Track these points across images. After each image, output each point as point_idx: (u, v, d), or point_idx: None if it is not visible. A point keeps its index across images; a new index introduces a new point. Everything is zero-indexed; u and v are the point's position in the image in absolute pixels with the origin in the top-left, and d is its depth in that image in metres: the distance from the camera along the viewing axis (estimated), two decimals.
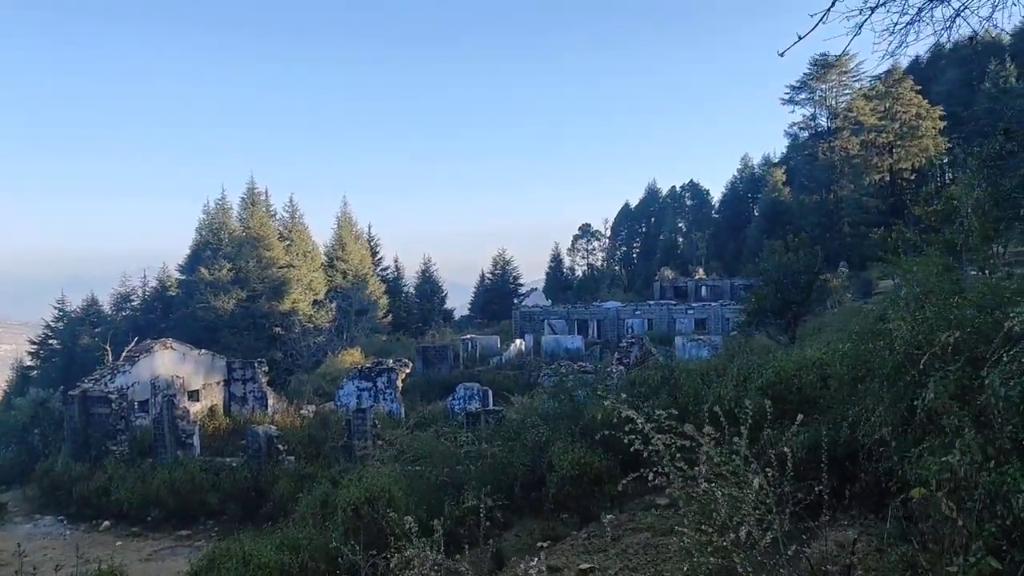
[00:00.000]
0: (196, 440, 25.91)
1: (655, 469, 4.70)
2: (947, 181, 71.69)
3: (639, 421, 4.15)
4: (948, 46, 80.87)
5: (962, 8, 8.45)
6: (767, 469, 4.16)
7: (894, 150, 75.49)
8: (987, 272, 14.71)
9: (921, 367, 7.16)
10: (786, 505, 4.22)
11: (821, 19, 8.85)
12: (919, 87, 75.61)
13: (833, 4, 8.67)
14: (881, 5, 8.96)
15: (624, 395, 4.46)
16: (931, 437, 6.70)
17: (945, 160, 74.11)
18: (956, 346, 7.13)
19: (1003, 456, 5.85)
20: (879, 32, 9.55)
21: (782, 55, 9.24)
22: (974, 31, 8.90)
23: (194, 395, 33.17)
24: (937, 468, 5.27)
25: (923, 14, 9.11)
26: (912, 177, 74.77)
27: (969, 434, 5.50)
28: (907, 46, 9.78)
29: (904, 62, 73.96)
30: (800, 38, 8.90)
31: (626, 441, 4.22)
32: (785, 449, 4.24)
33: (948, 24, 8.86)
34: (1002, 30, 8.88)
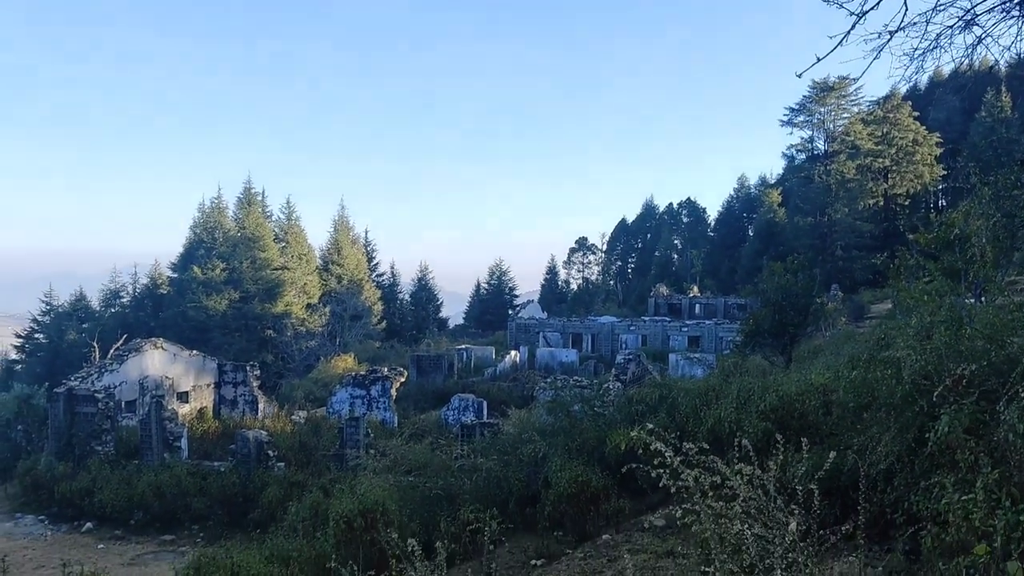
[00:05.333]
0: (184, 443, 25.61)
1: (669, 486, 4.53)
2: (941, 208, 72.04)
3: (668, 455, 4.02)
4: (947, 74, 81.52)
5: (984, 36, 8.40)
6: (792, 506, 4.03)
7: (889, 175, 75.88)
8: (985, 300, 14.65)
9: (934, 399, 7.04)
10: (815, 547, 4.09)
11: (840, 42, 8.74)
12: (916, 113, 76.06)
13: (853, 27, 8.58)
14: (900, 30, 8.88)
15: (650, 425, 4.32)
16: (942, 471, 6.58)
17: (941, 187, 74.50)
18: (969, 379, 7.03)
19: (1019, 493, 5.73)
20: (897, 56, 9.47)
21: (800, 76, 9.15)
22: (995, 59, 8.85)
23: (183, 397, 32.87)
24: (958, 507, 5.15)
25: (942, 40, 9.04)
26: (907, 203, 75.13)
27: (990, 472, 5.38)
28: (925, 72, 9.74)
29: (903, 88, 74.38)
30: (819, 59, 8.79)
31: (654, 475, 4.09)
32: (812, 486, 4.11)
33: (968, 51, 8.80)
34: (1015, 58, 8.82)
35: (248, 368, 35.10)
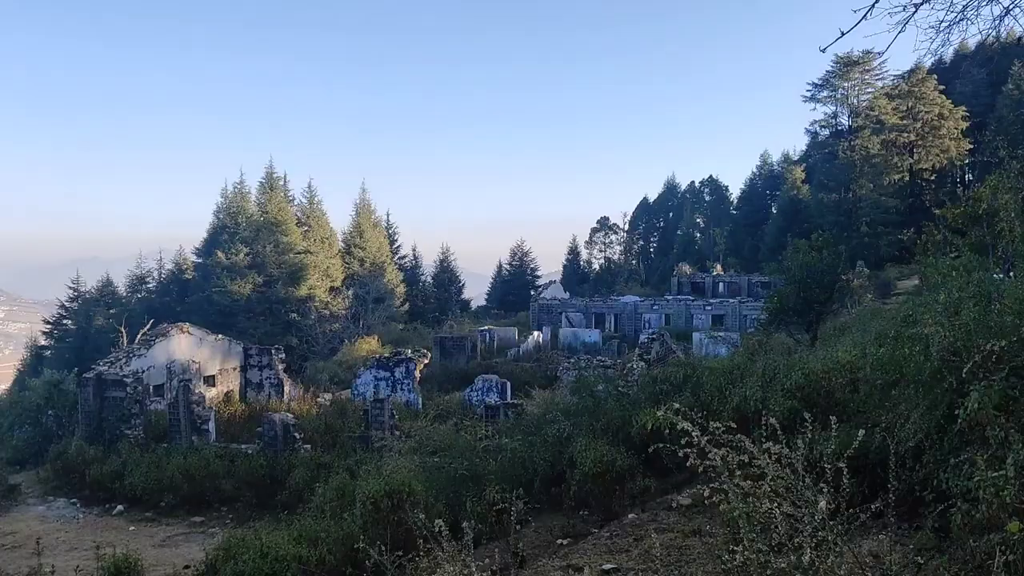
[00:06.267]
0: (211, 426, 25.93)
1: (696, 466, 4.51)
2: (968, 182, 70.96)
3: (695, 434, 4.00)
4: (972, 46, 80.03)
5: (1012, 7, 8.20)
6: (821, 485, 4.01)
7: (915, 150, 74.69)
8: (1014, 275, 14.46)
9: (963, 375, 6.97)
10: (845, 526, 4.06)
11: (864, 15, 8.58)
12: (942, 87, 74.72)
13: (877, 0, 8.42)
14: (926, 2, 8.70)
15: (676, 405, 4.31)
16: (972, 448, 6.52)
17: (967, 161, 73.26)
18: (999, 355, 6.94)
19: None
20: (923, 29, 9.28)
21: (824, 51, 8.99)
22: (1023, 31, 8.65)
23: (210, 380, 33.23)
24: (989, 484, 5.10)
25: (968, 12, 8.85)
26: (932, 178, 74.00)
27: (1021, 448, 5.32)
28: (951, 46, 9.53)
29: (928, 61, 73.03)
30: (843, 34, 8.63)
31: (681, 455, 4.08)
32: (841, 464, 4.08)
33: (996, 23, 8.61)
34: None
35: (273, 351, 35.38)
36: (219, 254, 59.89)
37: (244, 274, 59.37)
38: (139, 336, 35.49)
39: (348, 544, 10.69)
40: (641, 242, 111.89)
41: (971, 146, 70.36)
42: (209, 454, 23.01)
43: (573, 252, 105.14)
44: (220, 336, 35.26)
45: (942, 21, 8.90)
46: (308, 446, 23.58)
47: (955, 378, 7.12)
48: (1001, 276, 13.98)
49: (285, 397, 33.44)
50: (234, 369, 34.79)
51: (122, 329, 44.89)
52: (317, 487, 16.26)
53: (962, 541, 5.59)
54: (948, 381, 7.28)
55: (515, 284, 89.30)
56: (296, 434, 23.65)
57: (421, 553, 6.32)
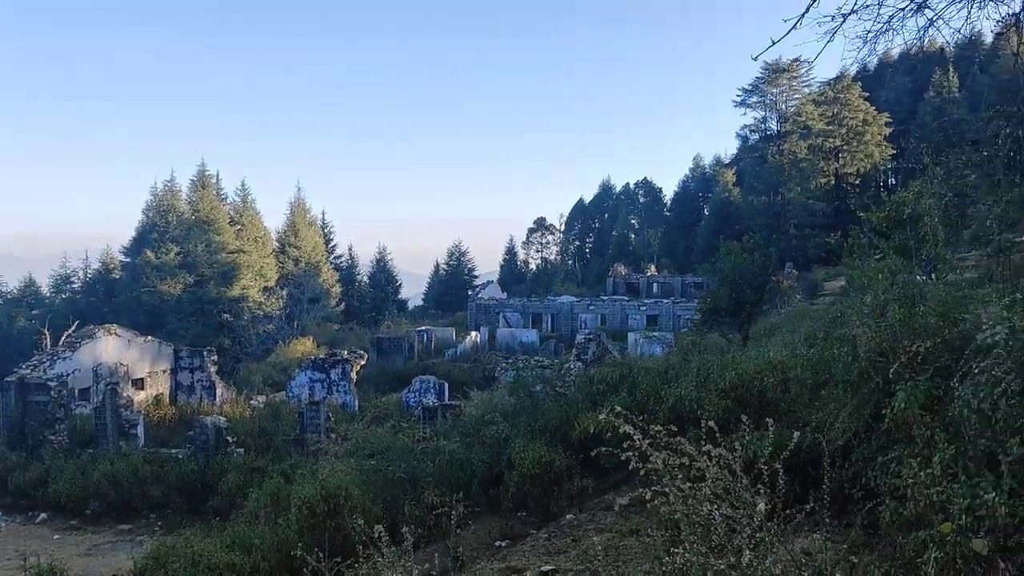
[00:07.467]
0: (140, 430, 25.22)
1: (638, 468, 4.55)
2: (891, 187, 73.49)
3: (636, 437, 4.04)
4: (896, 55, 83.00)
5: (935, 18, 8.54)
6: (759, 486, 4.09)
7: (840, 155, 77.18)
8: (936, 277, 15.01)
9: (890, 375, 7.17)
10: (781, 526, 4.16)
11: (794, 25, 8.82)
12: (866, 93, 77.34)
13: (807, 10, 8.65)
14: (853, 12, 8.99)
15: (618, 408, 4.35)
16: (899, 446, 6.71)
17: (890, 166, 75.96)
18: (924, 356, 7.16)
19: (975, 468, 5.87)
20: (851, 39, 9.58)
21: (755, 59, 9.23)
22: (945, 41, 9.02)
23: (139, 383, 32.30)
24: (918, 483, 5.26)
25: (894, 23, 9.17)
26: (857, 182, 76.55)
27: (946, 447, 5.50)
28: (876, 55, 9.88)
29: (853, 69, 75.61)
30: (773, 43, 8.86)
31: (623, 458, 4.12)
32: (777, 465, 4.17)
33: (921, 34, 8.96)
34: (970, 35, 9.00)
35: (205, 353, 34.62)
36: (148, 253, 58.27)
37: (174, 274, 57.90)
38: (64, 338, 34.29)
39: (283, 551, 10.51)
40: (577, 243, 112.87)
41: (893, 151, 73.02)
42: (137, 459, 22.37)
43: (510, 252, 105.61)
44: (149, 338, 34.33)
45: (869, 31, 9.21)
46: (241, 450, 23.11)
47: (882, 378, 7.33)
48: (924, 279, 14.50)
49: (217, 400, 32.72)
50: (164, 372, 33.90)
51: (45, 331, 43.38)
52: (251, 492, 15.95)
53: (891, 538, 5.76)
54: (875, 381, 7.49)
55: (453, 284, 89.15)
56: (229, 438, 23.15)
57: (360, 559, 6.24)
